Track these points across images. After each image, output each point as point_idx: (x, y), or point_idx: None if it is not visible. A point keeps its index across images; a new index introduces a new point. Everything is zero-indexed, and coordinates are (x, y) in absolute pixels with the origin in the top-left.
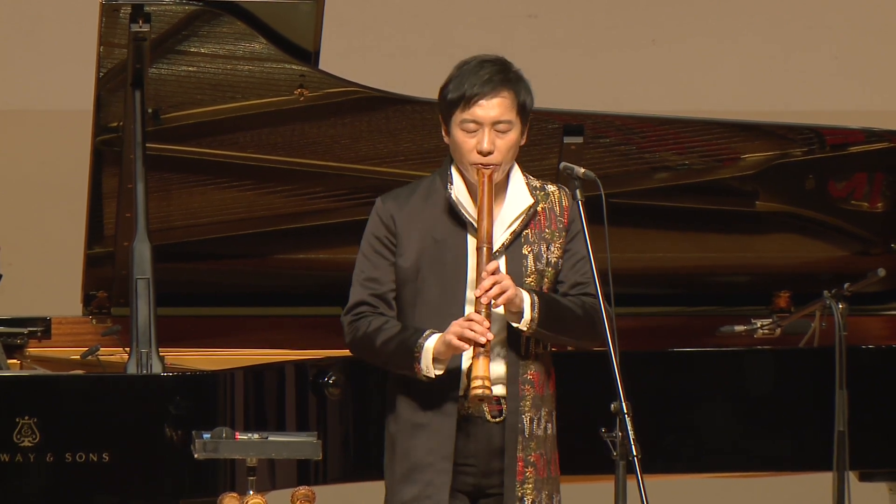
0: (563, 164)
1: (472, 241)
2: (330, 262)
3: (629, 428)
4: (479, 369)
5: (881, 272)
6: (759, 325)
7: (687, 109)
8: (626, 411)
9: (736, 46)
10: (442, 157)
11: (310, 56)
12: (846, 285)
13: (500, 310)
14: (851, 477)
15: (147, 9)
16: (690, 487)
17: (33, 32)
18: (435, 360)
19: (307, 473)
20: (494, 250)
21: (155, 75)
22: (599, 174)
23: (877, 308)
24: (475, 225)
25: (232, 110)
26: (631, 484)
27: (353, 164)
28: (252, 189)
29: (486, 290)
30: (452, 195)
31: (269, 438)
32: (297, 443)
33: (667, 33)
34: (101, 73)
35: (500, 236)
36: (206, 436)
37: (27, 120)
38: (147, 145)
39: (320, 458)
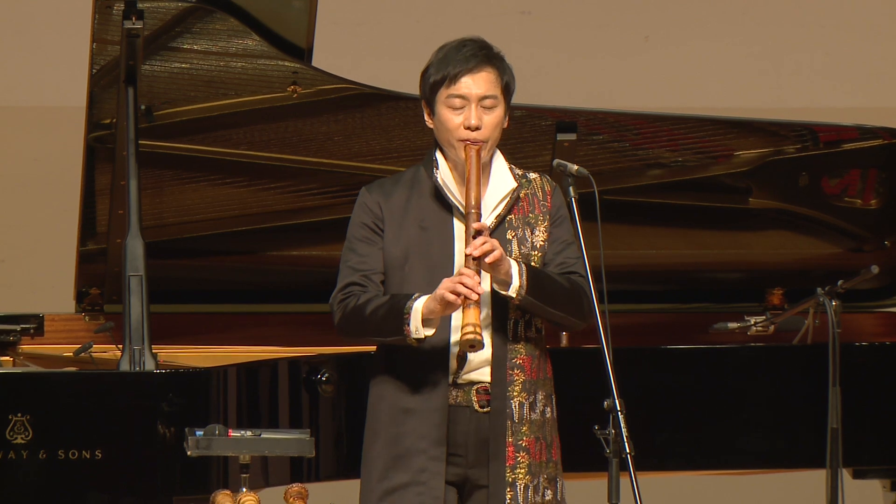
0: (556, 160)
1: (458, 227)
2: (324, 259)
3: (622, 425)
4: (469, 317)
5: (874, 269)
6: (752, 322)
7: (681, 106)
8: (619, 408)
9: (730, 43)
10: None
11: (303, 53)
12: (840, 282)
13: (487, 285)
14: (845, 474)
15: (140, 5)
16: (683, 484)
17: (26, 29)
18: (425, 321)
19: (300, 470)
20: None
21: (148, 72)
22: (593, 171)
23: (870, 305)
24: (461, 209)
25: (225, 107)
26: (624, 481)
27: (346, 160)
28: (245, 186)
29: (477, 247)
30: (438, 178)
31: (262, 435)
32: (291, 440)
33: (660, 30)
34: (94, 70)
35: (486, 220)
36: (199, 433)
37: (20, 116)
38: (140, 142)
39: (313, 454)
